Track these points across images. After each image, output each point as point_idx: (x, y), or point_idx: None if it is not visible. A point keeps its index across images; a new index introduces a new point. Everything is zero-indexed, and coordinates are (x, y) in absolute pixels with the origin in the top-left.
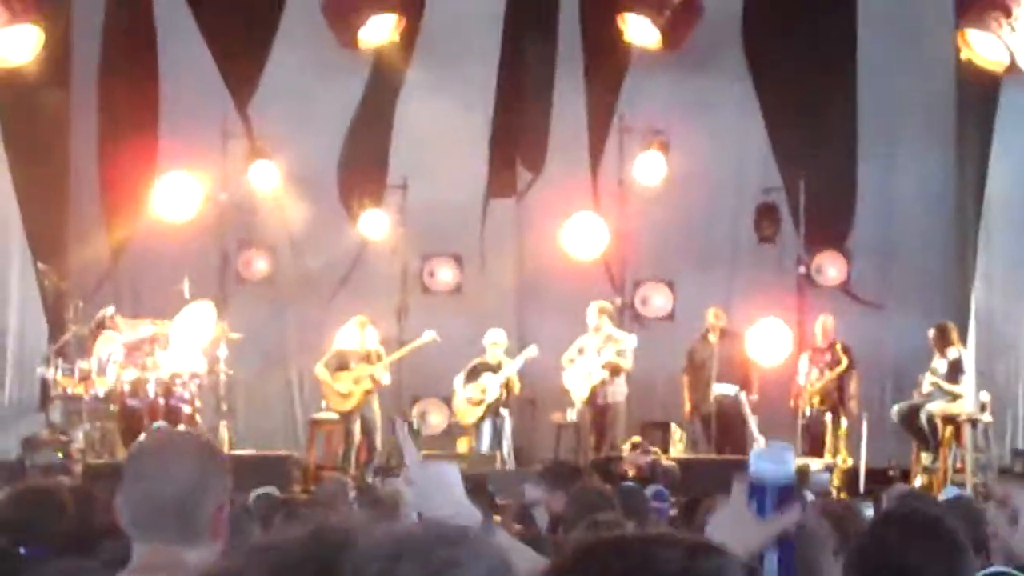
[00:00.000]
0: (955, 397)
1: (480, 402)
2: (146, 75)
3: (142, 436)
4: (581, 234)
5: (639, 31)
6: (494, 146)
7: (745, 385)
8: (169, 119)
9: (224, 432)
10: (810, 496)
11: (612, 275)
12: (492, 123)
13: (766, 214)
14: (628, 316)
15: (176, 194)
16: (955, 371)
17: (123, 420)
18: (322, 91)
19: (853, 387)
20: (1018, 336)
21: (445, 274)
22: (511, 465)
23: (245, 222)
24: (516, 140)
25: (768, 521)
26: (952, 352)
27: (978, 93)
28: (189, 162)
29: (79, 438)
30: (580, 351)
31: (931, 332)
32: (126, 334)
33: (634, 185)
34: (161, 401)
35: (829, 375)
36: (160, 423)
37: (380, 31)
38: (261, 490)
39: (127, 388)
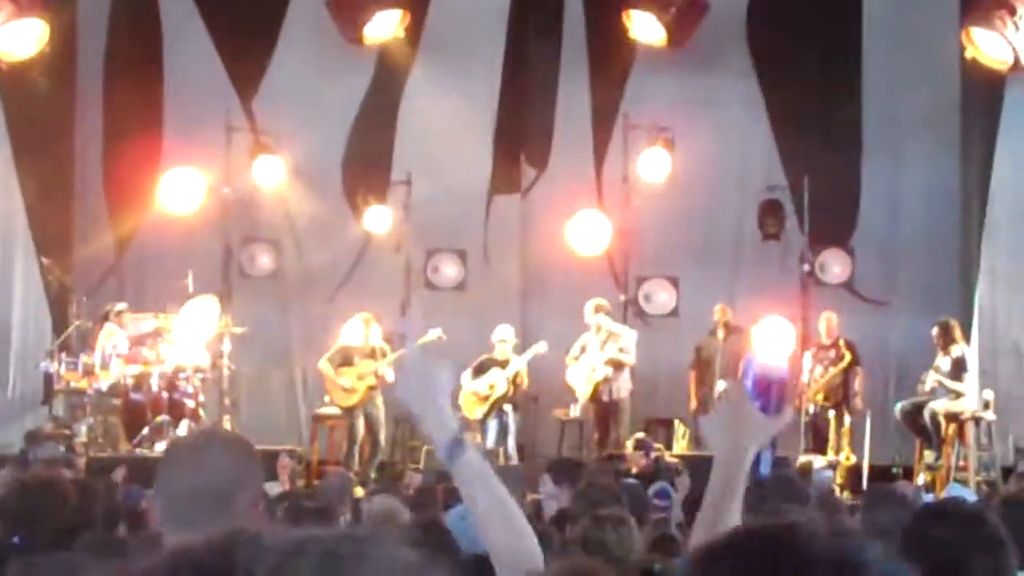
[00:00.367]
0: (958, 395)
1: (487, 398)
2: (151, 70)
3: (180, 431)
4: (585, 231)
5: (644, 28)
6: (498, 142)
7: None
8: (174, 114)
9: (227, 427)
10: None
11: (616, 272)
12: (496, 119)
13: (770, 211)
14: (632, 313)
15: (180, 189)
16: (958, 369)
17: (126, 414)
18: (326, 86)
19: (858, 383)
20: (1022, 334)
21: (449, 270)
22: (515, 461)
23: (249, 217)
24: (520, 136)
25: (776, 417)
26: (955, 350)
27: (983, 92)
28: (193, 157)
29: (82, 432)
30: (583, 349)
31: (934, 330)
32: (130, 328)
33: (638, 182)
34: (164, 395)
35: (833, 371)
36: (163, 417)
37: (385, 27)
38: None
39: (130, 382)
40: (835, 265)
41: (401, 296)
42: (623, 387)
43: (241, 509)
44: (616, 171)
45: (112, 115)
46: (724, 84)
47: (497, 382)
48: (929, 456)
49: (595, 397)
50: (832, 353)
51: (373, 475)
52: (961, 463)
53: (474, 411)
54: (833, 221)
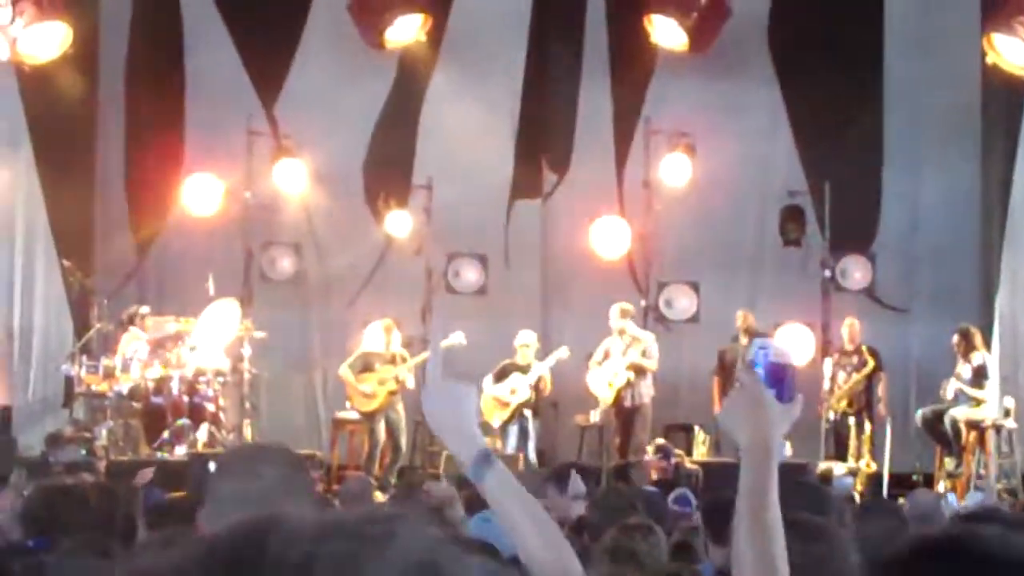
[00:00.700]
0: (979, 402)
1: (508, 403)
2: (173, 73)
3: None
4: (606, 235)
5: (666, 33)
6: (519, 147)
7: None
8: (195, 118)
9: (247, 430)
10: None
11: (636, 277)
12: (518, 124)
13: (791, 217)
14: (652, 318)
15: (201, 193)
16: (979, 376)
17: (147, 417)
18: (348, 91)
19: (881, 389)
20: None
21: (470, 275)
22: (535, 467)
23: (270, 221)
24: (542, 141)
25: (791, 405)
26: (976, 357)
27: (1004, 98)
28: (215, 161)
29: (103, 435)
30: (607, 353)
31: (954, 337)
32: (152, 332)
33: (660, 187)
34: (185, 399)
35: (856, 377)
36: (183, 421)
37: (406, 31)
38: None
39: (151, 385)
40: (856, 271)
41: (422, 301)
42: (645, 393)
43: None
44: (637, 176)
45: (134, 119)
46: (745, 90)
47: (519, 387)
48: (949, 463)
49: (617, 402)
50: (855, 359)
51: (393, 480)
52: (981, 471)
53: (495, 416)
54: (854, 227)
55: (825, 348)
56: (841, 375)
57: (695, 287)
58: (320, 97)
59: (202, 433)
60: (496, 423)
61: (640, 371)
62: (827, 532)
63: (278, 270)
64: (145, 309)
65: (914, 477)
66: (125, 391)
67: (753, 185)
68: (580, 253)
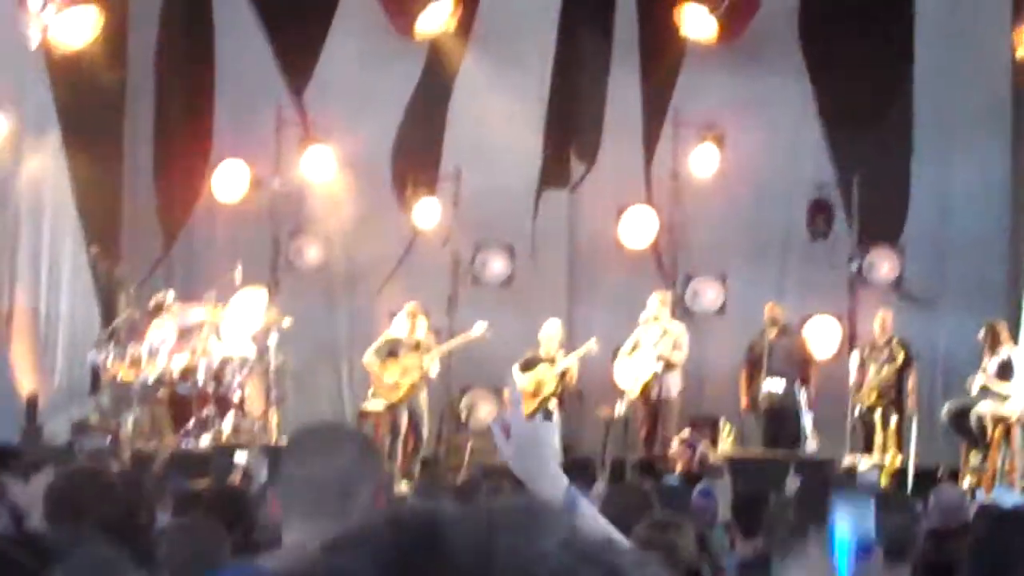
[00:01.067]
0: (1005, 397)
1: (535, 394)
2: (202, 60)
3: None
4: (634, 226)
5: (695, 23)
6: (548, 136)
7: (803, 381)
8: (224, 105)
9: (273, 419)
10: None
11: (664, 268)
12: (546, 113)
13: (819, 210)
14: (679, 310)
15: (230, 180)
16: (1006, 371)
17: (172, 406)
18: (377, 79)
19: (912, 383)
20: None
21: (497, 265)
22: (560, 459)
23: (298, 210)
24: (570, 131)
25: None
26: (1003, 351)
27: None
28: (243, 149)
29: (128, 423)
30: (636, 345)
31: (981, 331)
32: (179, 320)
33: (688, 178)
34: (211, 388)
35: (887, 370)
36: (209, 409)
37: (436, 19)
38: None
39: (176, 374)
40: (884, 264)
41: (448, 291)
42: (673, 386)
43: (364, 502)
44: (665, 167)
45: (163, 106)
46: (774, 81)
47: (545, 379)
48: (975, 459)
49: (644, 394)
50: (886, 352)
51: (417, 470)
52: (1007, 466)
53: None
54: (882, 220)
55: (852, 341)
56: (872, 368)
57: (722, 279)
58: (349, 85)
59: (227, 422)
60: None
61: (669, 364)
62: None
63: (305, 259)
64: (172, 297)
65: (939, 472)
66: (151, 379)
67: (781, 177)
68: (607, 244)
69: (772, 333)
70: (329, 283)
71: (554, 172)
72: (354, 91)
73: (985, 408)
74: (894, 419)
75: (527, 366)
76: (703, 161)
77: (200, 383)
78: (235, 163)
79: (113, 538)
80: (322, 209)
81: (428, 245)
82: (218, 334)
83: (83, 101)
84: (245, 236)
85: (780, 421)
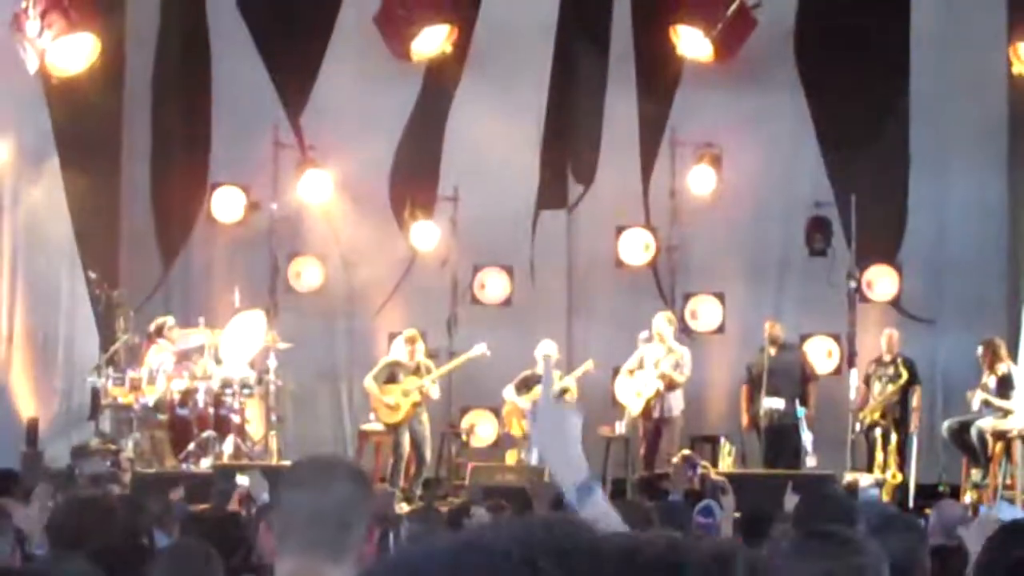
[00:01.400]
0: (1006, 413)
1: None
2: (199, 85)
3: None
4: (632, 246)
5: (691, 44)
6: (545, 157)
7: (803, 398)
8: (221, 129)
9: (273, 442)
10: None
11: (662, 287)
12: (543, 134)
13: (817, 227)
14: (678, 328)
15: (227, 204)
16: (1005, 387)
17: (172, 429)
18: (374, 102)
19: (916, 401)
20: None
21: (496, 286)
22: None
23: (296, 232)
24: (567, 151)
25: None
26: (1002, 368)
27: None
28: (241, 172)
29: (128, 447)
30: (640, 363)
31: (979, 349)
32: (178, 344)
33: (686, 197)
34: (211, 410)
35: (891, 389)
36: (209, 433)
37: (432, 42)
38: None
39: (177, 397)
40: (882, 282)
41: (447, 312)
42: (675, 405)
43: (359, 536)
44: (663, 187)
45: (160, 130)
46: (771, 100)
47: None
48: (976, 474)
49: (646, 413)
50: (891, 370)
51: (419, 492)
52: (1008, 481)
53: (516, 428)
54: (880, 238)
55: (851, 359)
56: (876, 385)
57: (721, 297)
58: (346, 108)
59: (228, 445)
60: (517, 434)
61: (671, 384)
62: (859, 544)
63: (304, 281)
64: (171, 321)
65: (940, 488)
66: (151, 403)
67: (779, 195)
68: (606, 263)
69: (772, 351)
70: (328, 305)
71: (552, 192)
72: (351, 114)
73: (986, 423)
74: (894, 436)
75: (523, 385)
76: (701, 180)
77: (200, 406)
78: (232, 187)
79: (113, 562)
80: (320, 232)
81: (427, 267)
82: (217, 357)
83: (81, 126)
84: (243, 259)
85: (780, 439)
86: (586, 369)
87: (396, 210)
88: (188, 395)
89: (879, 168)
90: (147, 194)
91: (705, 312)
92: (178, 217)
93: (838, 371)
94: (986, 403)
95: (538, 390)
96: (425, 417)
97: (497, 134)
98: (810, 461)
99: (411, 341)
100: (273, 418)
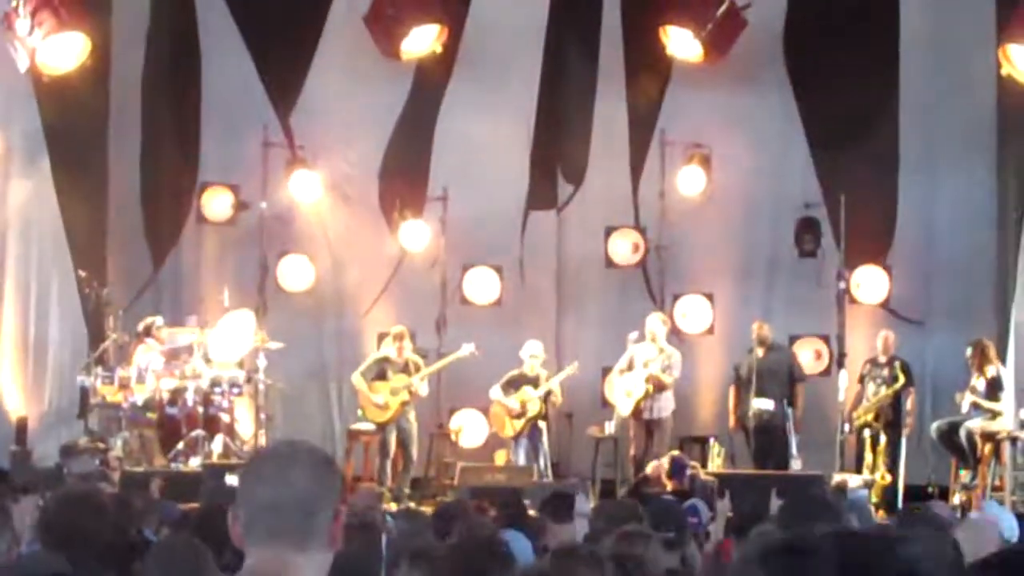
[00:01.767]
0: (995, 415)
1: (520, 415)
2: (189, 84)
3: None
4: (621, 246)
5: (681, 44)
6: (535, 158)
7: (791, 399)
8: (211, 128)
9: (263, 440)
10: None
11: (651, 288)
12: (533, 134)
13: (807, 228)
14: (667, 329)
15: (217, 203)
16: (994, 389)
17: (161, 428)
18: (364, 101)
19: (910, 404)
20: None
21: (485, 286)
22: (548, 478)
23: (285, 232)
24: (557, 152)
25: None
26: (990, 370)
27: (1019, 109)
28: (230, 171)
29: (117, 446)
30: (630, 363)
31: (968, 350)
32: (166, 343)
33: (675, 198)
34: (200, 409)
35: (886, 392)
36: (198, 432)
37: (422, 42)
38: None
39: (166, 396)
40: (871, 283)
41: (437, 312)
42: (666, 407)
43: (324, 522)
44: (652, 187)
45: (150, 129)
46: (761, 101)
47: (529, 400)
48: (965, 476)
49: (636, 414)
50: (886, 372)
51: (407, 490)
52: (997, 482)
53: (505, 428)
54: (870, 239)
55: (840, 360)
56: (871, 386)
57: (710, 298)
58: (336, 108)
59: (217, 444)
60: (506, 434)
61: (659, 385)
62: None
63: (293, 281)
64: (159, 320)
65: (929, 489)
66: (140, 402)
67: (768, 196)
68: (595, 264)
69: (759, 352)
70: (317, 305)
71: (541, 193)
72: (341, 113)
73: (974, 425)
74: (883, 438)
75: (510, 385)
76: (690, 180)
77: (189, 405)
78: (222, 186)
79: (103, 560)
80: (309, 231)
81: (416, 266)
82: (207, 357)
83: (70, 125)
84: (232, 259)
85: (769, 440)
86: (570, 372)
87: (386, 210)
88: (177, 394)
89: (868, 169)
90: (136, 193)
91: (694, 312)
92: (168, 216)
93: (827, 372)
94: (975, 405)
95: (525, 390)
96: (413, 416)
97: (486, 134)
98: (796, 463)
99: (399, 338)
100: (262, 417)
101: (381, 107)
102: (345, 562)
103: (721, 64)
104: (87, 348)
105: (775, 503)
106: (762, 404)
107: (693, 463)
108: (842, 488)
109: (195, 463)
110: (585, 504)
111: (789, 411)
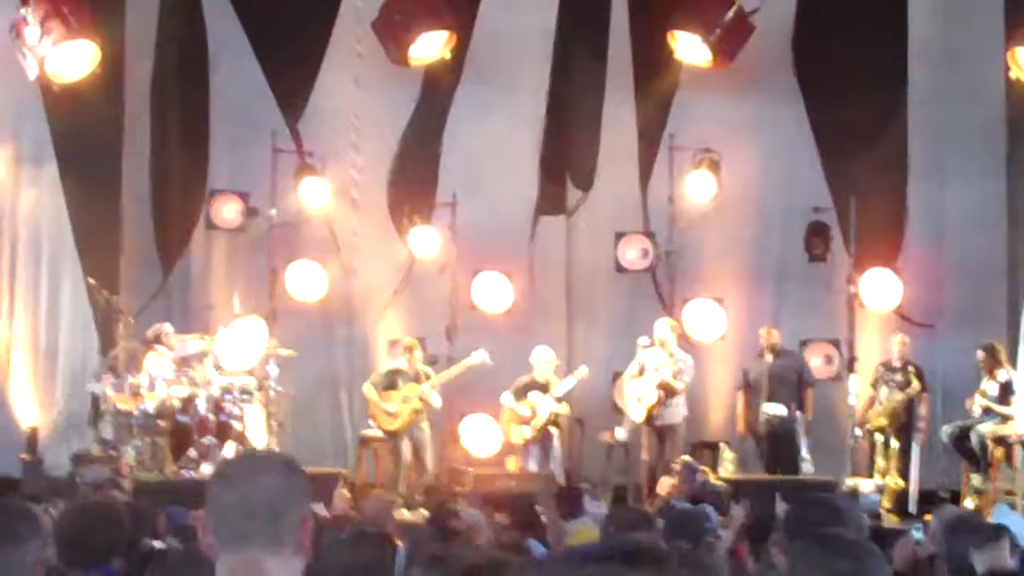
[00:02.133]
0: (1006, 418)
1: (529, 420)
2: (197, 91)
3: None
4: (631, 252)
5: (689, 49)
6: (544, 163)
7: (801, 404)
8: (220, 135)
9: (274, 448)
10: None
11: (661, 293)
12: (542, 140)
13: (816, 233)
14: (677, 335)
15: (226, 210)
16: (1005, 392)
17: (173, 436)
18: (372, 108)
19: (923, 410)
20: None
21: (495, 292)
22: (560, 485)
23: (295, 239)
24: (566, 157)
25: None
26: (1001, 374)
27: None
28: (239, 178)
29: (129, 454)
30: (641, 369)
31: (979, 354)
32: (177, 350)
33: (684, 203)
34: (211, 417)
35: (899, 397)
36: (209, 439)
37: (431, 48)
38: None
39: (177, 404)
40: (882, 287)
41: (447, 318)
42: (677, 413)
43: (292, 526)
44: (662, 192)
45: (159, 136)
46: (769, 106)
47: (539, 405)
48: (976, 480)
49: (648, 420)
50: (899, 376)
51: (420, 498)
52: (1009, 487)
53: (516, 434)
54: (880, 243)
55: (850, 364)
56: (884, 390)
57: (720, 303)
58: (345, 114)
59: (228, 451)
60: (517, 440)
61: (670, 391)
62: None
63: (303, 288)
64: (170, 327)
65: (941, 494)
66: (151, 409)
67: (778, 201)
68: (605, 269)
69: (769, 358)
70: (327, 312)
71: (550, 199)
72: (349, 120)
73: (986, 429)
74: (895, 442)
75: (521, 391)
76: (699, 185)
77: (200, 412)
78: (231, 193)
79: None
80: (319, 238)
81: (426, 273)
82: (217, 364)
83: (80, 133)
84: (242, 266)
85: (780, 445)
86: (580, 377)
87: (395, 216)
88: (188, 402)
89: (878, 173)
90: (146, 201)
91: (704, 317)
92: (177, 223)
93: (837, 377)
94: (986, 409)
95: (535, 396)
96: (425, 424)
97: (495, 140)
98: (807, 467)
99: (409, 349)
100: (273, 424)
101: (390, 113)
102: (358, 571)
103: (730, 69)
104: (98, 356)
105: (781, 507)
106: (773, 409)
107: (703, 468)
108: (854, 493)
109: (206, 470)
110: (596, 507)
111: (799, 416)
